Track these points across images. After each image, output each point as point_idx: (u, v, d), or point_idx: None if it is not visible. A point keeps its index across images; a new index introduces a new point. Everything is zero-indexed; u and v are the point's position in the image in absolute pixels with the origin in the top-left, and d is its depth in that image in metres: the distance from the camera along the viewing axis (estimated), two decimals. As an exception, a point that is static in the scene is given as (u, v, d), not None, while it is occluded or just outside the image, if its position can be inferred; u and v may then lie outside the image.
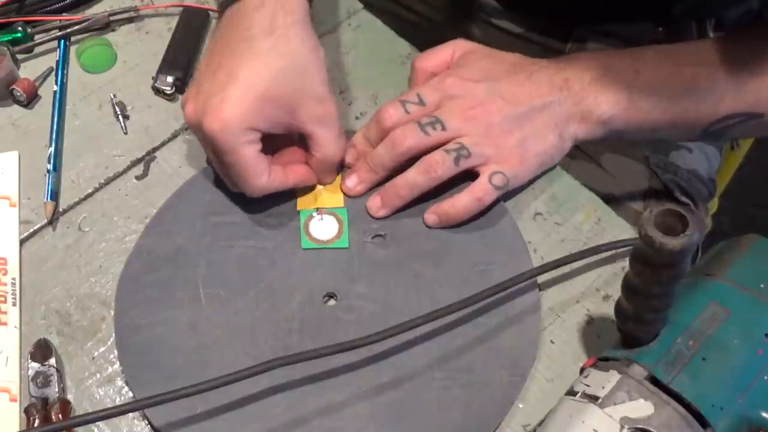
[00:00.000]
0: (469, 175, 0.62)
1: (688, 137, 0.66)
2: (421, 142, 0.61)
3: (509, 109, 0.62)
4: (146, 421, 0.56)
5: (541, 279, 0.61)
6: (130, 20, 0.75)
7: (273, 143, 0.61)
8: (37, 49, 0.73)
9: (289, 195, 0.64)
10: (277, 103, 0.58)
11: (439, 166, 0.61)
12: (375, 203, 0.63)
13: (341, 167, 0.65)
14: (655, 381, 0.50)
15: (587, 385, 0.51)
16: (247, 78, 0.57)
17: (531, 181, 0.66)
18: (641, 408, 0.48)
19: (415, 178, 0.61)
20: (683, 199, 0.79)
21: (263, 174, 0.59)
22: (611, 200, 0.75)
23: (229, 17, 0.61)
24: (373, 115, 0.64)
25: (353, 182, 0.64)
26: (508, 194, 0.65)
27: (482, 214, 0.63)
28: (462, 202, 0.62)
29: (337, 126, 0.61)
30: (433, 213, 0.63)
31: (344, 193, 0.64)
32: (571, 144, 0.65)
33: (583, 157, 0.78)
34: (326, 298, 0.60)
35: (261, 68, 0.57)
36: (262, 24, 0.58)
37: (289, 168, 0.62)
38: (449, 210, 0.62)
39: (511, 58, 0.66)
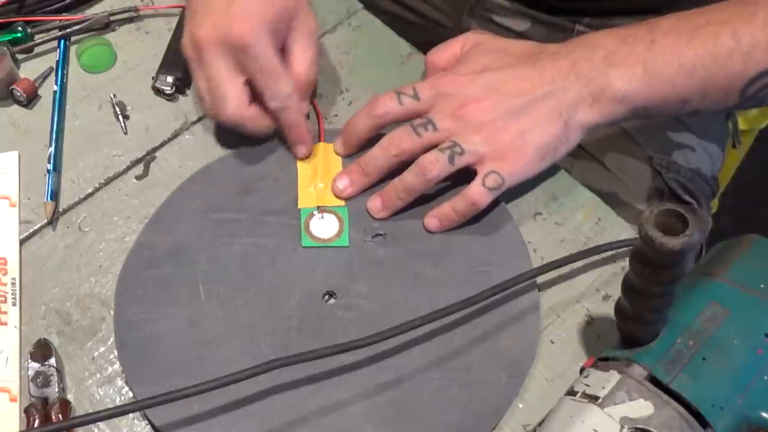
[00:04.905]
0: (474, 174, 0.62)
1: (726, 105, 0.61)
2: (415, 144, 0.61)
3: (504, 104, 0.61)
4: (146, 421, 0.56)
5: (540, 279, 0.61)
6: (130, 20, 0.75)
7: None
8: (37, 49, 0.73)
9: (291, 193, 0.64)
10: (279, 12, 0.61)
11: (433, 166, 0.60)
12: (376, 204, 0.63)
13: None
14: (655, 381, 0.50)
15: (587, 385, 0.51)
16: None
17: (533, 180, 0.65)
18: (641, 408, 0.48)
19: (412, 181, 0.61)
20: (686, 198, 0.78)
21: (286, 76, 0.62)
22: (614, 200, 0.74)
23: None
24: (366, 103, 0.64)
25: (344, 184, 0.64)
26: (509, 193, 0.65)
27: (482, 214, 0.63)
28: (458, 206, 0.61)
29: (316, 46, 0.64)
30: (434, 217, 0.62)
31: (335, 195, 0.64)
32: (579, 132, 0.62)
33: (586, 156, 0.78)
34: (326, 296, 0.60)
35: None
36: None
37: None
38: (449, 213, 0.62)
39: (519, 49, 0.64)
